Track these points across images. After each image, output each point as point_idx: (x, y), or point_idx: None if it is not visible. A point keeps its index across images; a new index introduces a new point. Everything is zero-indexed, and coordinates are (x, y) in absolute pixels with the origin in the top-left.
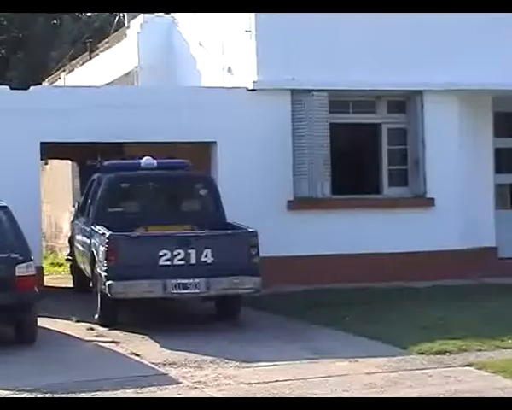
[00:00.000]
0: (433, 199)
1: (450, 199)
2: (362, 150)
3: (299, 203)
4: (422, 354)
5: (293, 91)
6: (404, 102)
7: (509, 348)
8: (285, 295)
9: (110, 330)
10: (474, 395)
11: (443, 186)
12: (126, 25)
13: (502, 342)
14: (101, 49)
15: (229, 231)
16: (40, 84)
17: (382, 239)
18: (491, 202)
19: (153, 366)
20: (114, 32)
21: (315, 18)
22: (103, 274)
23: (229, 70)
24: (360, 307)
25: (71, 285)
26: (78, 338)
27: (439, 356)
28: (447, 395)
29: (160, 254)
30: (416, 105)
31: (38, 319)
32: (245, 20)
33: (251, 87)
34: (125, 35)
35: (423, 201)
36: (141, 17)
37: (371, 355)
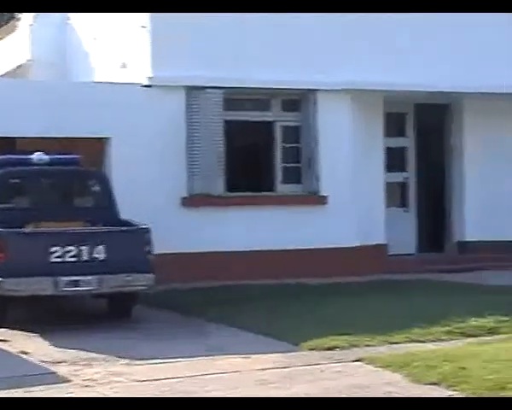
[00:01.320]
0: (325, 196)
1: (343, 197)
2: (256, 148)
3: (193, 200)
4: (314, 349)
5: (188, 88)
6: (299, 101)
7: (397, 343)
8: (180, 292)
9: None
10: (362, 390)
11: (335, 184)
12: (18, 16)
13: (390, 337)
14: None
15: (123, 228)
16: None
17: (276, 236)
18: (382, 200)
19: (42, 364)
20: (6, 23)
21: (210, 15)
22: None
23: (124, 66)
24: (254, 304)
25: None
26: None
27: (330, 352)
28: (337, 390)
29: (51, 250)
30: (309, 104)
31: None
32: (140, 16)
33: (145, 83)
34: (17, 27)
35: (316, 198)
36: None
37: (265, 352)
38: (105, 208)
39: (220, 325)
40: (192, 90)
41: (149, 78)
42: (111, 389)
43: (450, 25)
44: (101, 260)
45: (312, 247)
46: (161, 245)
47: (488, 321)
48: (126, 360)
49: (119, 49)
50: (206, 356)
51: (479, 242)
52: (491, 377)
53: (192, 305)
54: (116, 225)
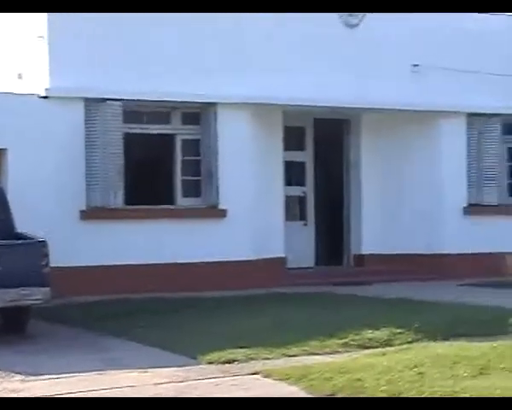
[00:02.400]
0: (225, 210)
1: (242, 210)
2: (156, 161)
3: (91, 213)
4: (211, 363)
5: (87, 100)
6: (199, 114)
7: (295, 355)
8: (78, 306)
9: None
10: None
11: (235, 197)
12: None
13: (288, 350)
14: None
15: (18, 241)
16: None
17: (176, 249)
18: (282, 214)
19: None
20: None
21: (110, 26)
22: None
23: (20, 76)
24: (154, 317)
25: None
26: None
27: (227, 365)
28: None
29: None
30: (209, 117)
31: None
32: (37, 25)
33: (43, 94)
34: None
35: (216, 211)
36: None
37: (161, 366)
38: (1, 221)
39: (118, 339)
40: (91, 102)
41: (47, 89)
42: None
43: (348, 40)
44: None
45: (212, 260)
46: (59, 259)
47: (383, 333)
48: (21, 376)
49: (15, 59)
50: (102, 370)
51: (376, 255)
52: (385, 387)
53: (90, 319)
54: (12, 238)
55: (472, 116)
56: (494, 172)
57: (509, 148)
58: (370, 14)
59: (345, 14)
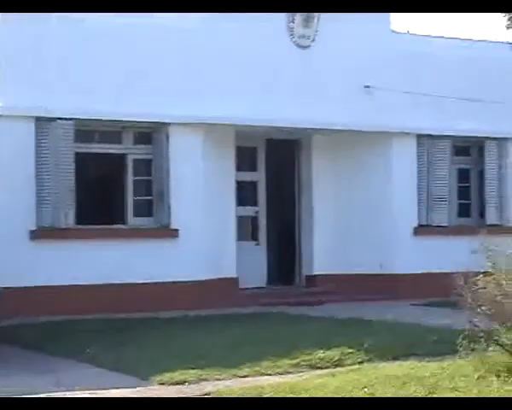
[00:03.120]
0: (176, 230)
1: (194, 230)
2: (108, 180)
3: (41, 233)
4: (163, 384)
5: (37, 119)
6: (150, 134)
7: (246, 376)
8: (28, 327)
9: None
10: None
11: (187, 217)
12: None
13: (239, 370)
14: None
15: None
16: None
17: (128, 269)
18: (233, 234)
19: None
20: None
21: (61, 45)
22: None
23: None
24: (104, 337)
25: None
26: None
27: (179, 386)
28: None
29: None
30: (161, 137)
31: None
32: None
33: None
34: None
35: (167, 231)
36: None
37: (111, 387)
38: None
39: (68, 360)
40: (42, 121)
41: None
42: None
43: (299, 61)
44: None
45: (164, 280)
46: (8, 279)
47: (334, 353)
48: None
49: None
50: (52, 392)
51: (328, 275)
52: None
53: (40, 340)
54: None
55: (422, 137)
56: (444, 193)
57: (459, 169)
58: (322, 34)
59: (296, 36)
